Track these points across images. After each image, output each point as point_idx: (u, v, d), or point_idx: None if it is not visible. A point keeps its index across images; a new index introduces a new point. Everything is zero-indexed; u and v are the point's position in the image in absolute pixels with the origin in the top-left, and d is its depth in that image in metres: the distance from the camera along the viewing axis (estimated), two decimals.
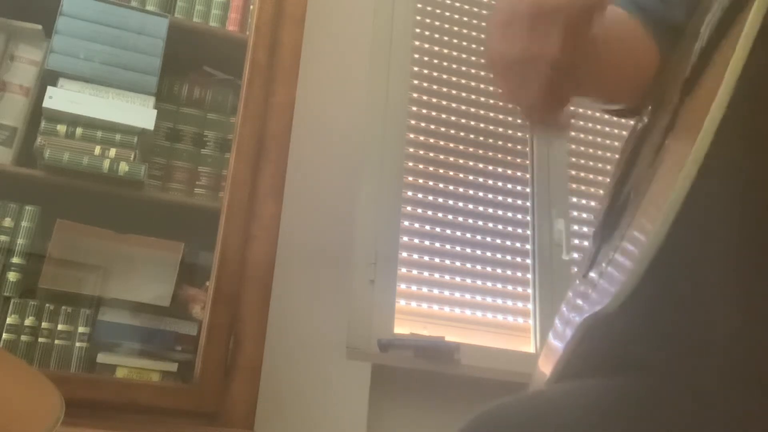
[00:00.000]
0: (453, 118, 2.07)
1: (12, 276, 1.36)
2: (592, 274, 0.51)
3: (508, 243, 2.01)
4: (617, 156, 0.62)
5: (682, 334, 0.44)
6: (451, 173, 2.02)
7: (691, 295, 0.45)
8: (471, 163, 2.04)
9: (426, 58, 2.11)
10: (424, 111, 2.06)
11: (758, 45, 0.38)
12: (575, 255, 2.03)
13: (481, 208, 2.01)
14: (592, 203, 2.08)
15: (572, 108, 0.54)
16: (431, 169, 2.01)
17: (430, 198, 1.98)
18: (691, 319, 0.44)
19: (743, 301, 0.43)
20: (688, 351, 0.44)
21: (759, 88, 0.44)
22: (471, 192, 2.02)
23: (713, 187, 0.43)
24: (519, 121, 2.01)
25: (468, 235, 1.97)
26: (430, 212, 1.97)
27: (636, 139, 0.54)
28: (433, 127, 2.05)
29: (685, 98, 0.45)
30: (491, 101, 2.13)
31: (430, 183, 1.99)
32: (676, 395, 0.42)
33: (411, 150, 2.00)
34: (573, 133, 2.18)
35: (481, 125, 2.09)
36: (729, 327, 0.43)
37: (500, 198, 2.04)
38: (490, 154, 2.08)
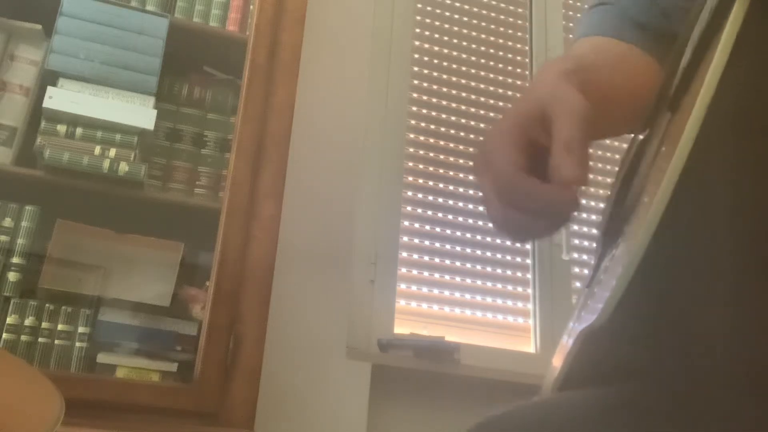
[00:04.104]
0: (453, 118, 2.07)
1: (12, 276, 1.36)
2: (593, 284, 0.51)
3: (508, 243, 2.00)
4: (618, 157, 0.61)
5: (673, 339, 0.45)
6: (451, 173, 2.02)
7: (681, 300, 0.45)
8: (471, 163, 2.04)
9: (426, 58, 2.10)
10: (424, 111, 2.06)
11: (736, 56, 0.38)
12: (575, 255, 2.03)
13: (481, 208, 2.01)
14: (592, 203, 2.08)
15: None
16: (431, 169, 2.01)
17: (430, 198, 1.98)
18: (682, 323, 0.45)
19: (734, 305, 0.43)
20: (679, 355, 0.44)
21: (742, 98, 0.43)
22: (471, 192, 2.02)
23: (702, 193, 0.43)
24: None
25: (468, 235, 1.97)
26: (430, 212, 1.96)
27: (637, 147, 0.54)
28: (433, 127, 2.05)
29: (675, 112, 0.45)
30: (491, 101, 2.13)
31: (430, 183, 1.99)
32: (667, 400, 0.42)
33: (411, 150, 2.00)
34: None
35: (481, 125, 2.09)
36: (720, 330, 0.43)
37: None
38: None
